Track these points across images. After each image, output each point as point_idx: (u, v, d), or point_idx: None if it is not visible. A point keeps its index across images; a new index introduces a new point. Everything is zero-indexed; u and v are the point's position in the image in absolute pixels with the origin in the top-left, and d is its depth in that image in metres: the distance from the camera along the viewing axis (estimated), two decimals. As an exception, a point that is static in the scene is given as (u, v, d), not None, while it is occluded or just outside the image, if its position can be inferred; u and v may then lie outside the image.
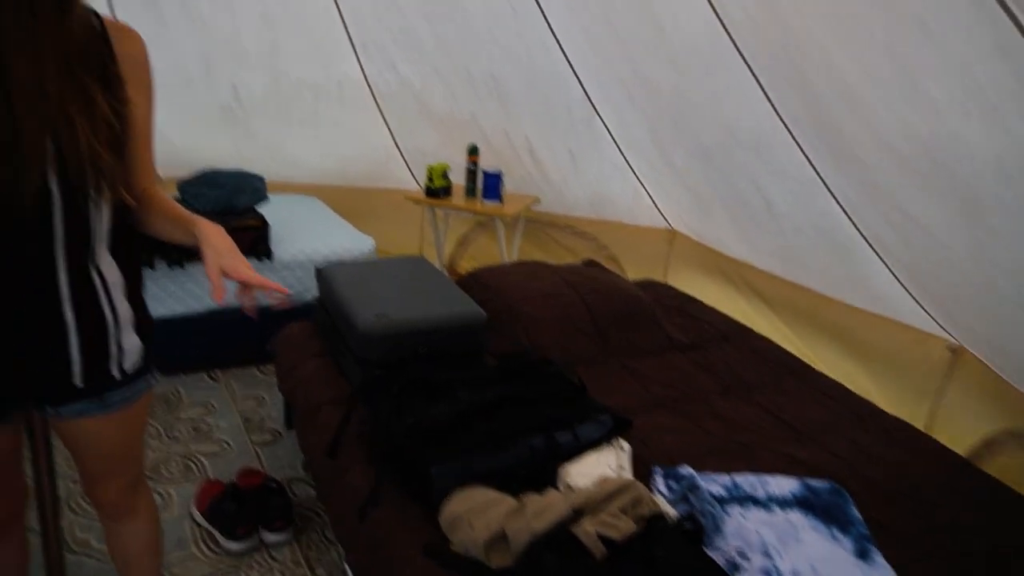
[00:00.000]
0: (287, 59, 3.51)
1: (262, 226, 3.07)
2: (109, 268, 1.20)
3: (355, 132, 3.87)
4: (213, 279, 1.14)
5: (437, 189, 3.48)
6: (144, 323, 1.29)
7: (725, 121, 2.67)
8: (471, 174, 3.51)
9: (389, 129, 3.90)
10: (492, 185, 3.44)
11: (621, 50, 2.84)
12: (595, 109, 3.24)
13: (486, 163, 3.57)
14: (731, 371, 2.44)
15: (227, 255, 1.18)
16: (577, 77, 3.15)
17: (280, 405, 2.71)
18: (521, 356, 2.11)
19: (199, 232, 1.20)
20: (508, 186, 3.58)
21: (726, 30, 2.31)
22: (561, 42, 3.04)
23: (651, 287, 3.12)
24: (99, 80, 1.09)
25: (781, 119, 2.39)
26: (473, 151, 3.50)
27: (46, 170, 1.05)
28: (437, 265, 3.80)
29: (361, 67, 3.64)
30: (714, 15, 2.29)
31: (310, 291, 3.09)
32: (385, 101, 3.77)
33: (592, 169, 3.57)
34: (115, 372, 1.24)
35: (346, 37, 3.50)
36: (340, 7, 3.38)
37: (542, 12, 2.97)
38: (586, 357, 2.41)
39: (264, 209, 3.21)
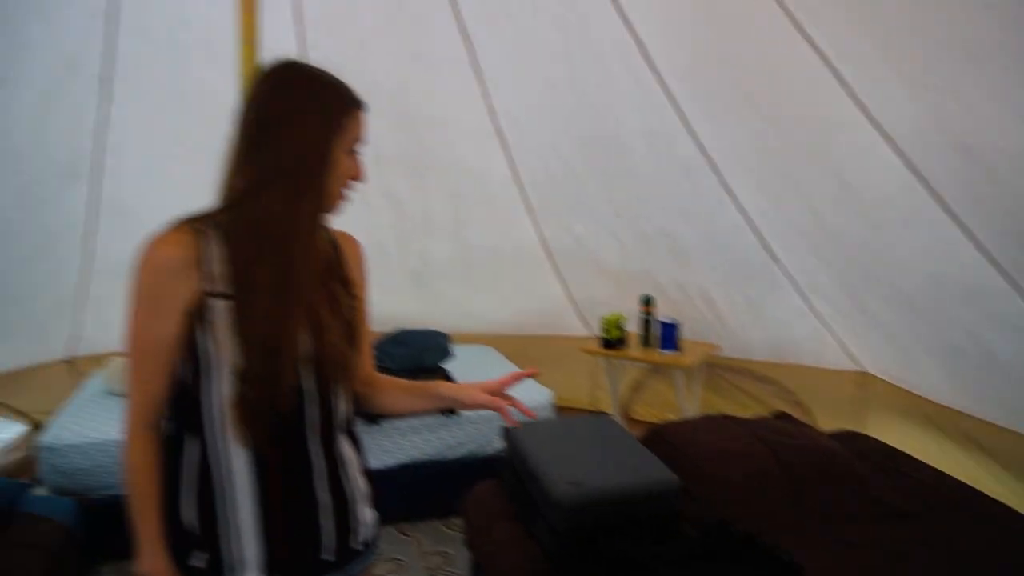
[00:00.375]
0: (470, 228, 3.85)
1: (447, 381, 3.23)
2: (347, 448, 1.32)
3: (530, 287, 4.09)
4: (493, 405, 1.32)
5: (613, 340, 3.52)
6: (374, 495, 1.39)
7: (928, 270, 2.50)
8: (646, 324, 3.52)
9: (563, 283, 4.07)
10: (669, 335, 3.42)
11: (803, 203, 2.81)
12: (774, 258, 3.19)
13: (660, 309, 3.58)
14: (969, 549, 2.13)
15: (477, 386, 1.35)
16: (754, 229, 3.14)
17: (466, 562, 2.72)
18: (724, 530, 2.00)
19: (445, 390, 1.38)
20: (683, 332, 3.55)
21: (926, 185, 2.22)
22: (737, 197, 3.07)
23: (850, 440, 2.87)
24: (339, 284, 1.25)
25: (1000, 268, 2.20)
26: (647, 301, 3.54)
27: (298, 367, 1.19)
28: (611, 411, 3.77)
29: (538, 230, 3.88)
30: (908, 171, 2.21)
31: (492, 444, 3.16)
32: (560, 259, 3.97)
33: (772, 313, 3.46)
34: (356, 545, 1.33)
35: (524, 206, 3.78)
36: (521, 178, 3.68)
37: (715, 170, 3.04)
38: (785, 524, 2.22)
39: (446, 363, 3.39)
